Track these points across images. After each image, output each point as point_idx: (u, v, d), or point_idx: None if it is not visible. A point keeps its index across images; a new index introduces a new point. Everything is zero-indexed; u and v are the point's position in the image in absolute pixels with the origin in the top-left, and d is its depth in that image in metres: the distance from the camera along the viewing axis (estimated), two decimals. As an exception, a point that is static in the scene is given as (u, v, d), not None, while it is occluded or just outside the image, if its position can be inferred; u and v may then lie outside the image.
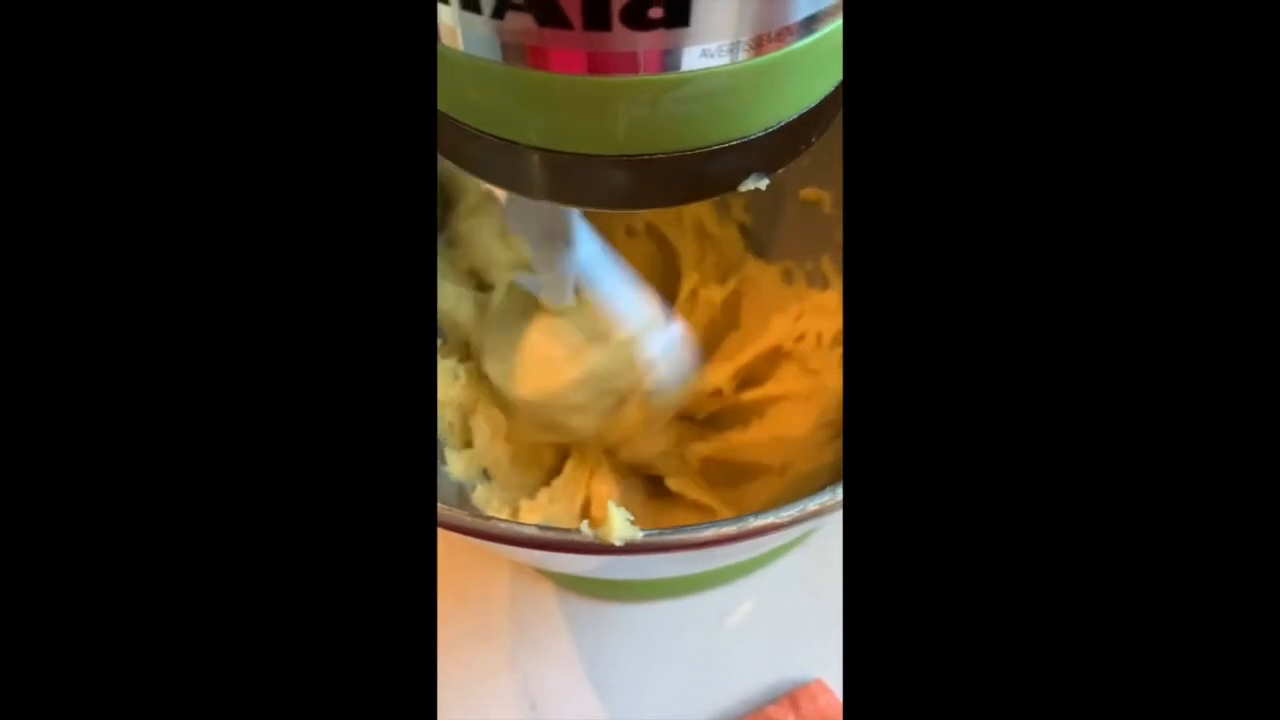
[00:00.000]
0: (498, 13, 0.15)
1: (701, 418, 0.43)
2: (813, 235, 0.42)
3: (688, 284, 0.44)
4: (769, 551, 0.40)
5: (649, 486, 0.42)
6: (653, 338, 0.35)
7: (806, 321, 0.42)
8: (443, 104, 0.19)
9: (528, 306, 0.36)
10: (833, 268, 0.42)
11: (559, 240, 0.31)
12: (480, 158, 0.20)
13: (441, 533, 0.46)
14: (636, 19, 0.14)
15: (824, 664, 0.41)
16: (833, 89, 0.19)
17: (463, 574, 0.45)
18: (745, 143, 0.18)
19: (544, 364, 0.36)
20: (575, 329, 0.35)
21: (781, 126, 0.18)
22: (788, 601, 0.44)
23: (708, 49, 0.15)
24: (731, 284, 0.44)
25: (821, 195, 0.41)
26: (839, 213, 0.41)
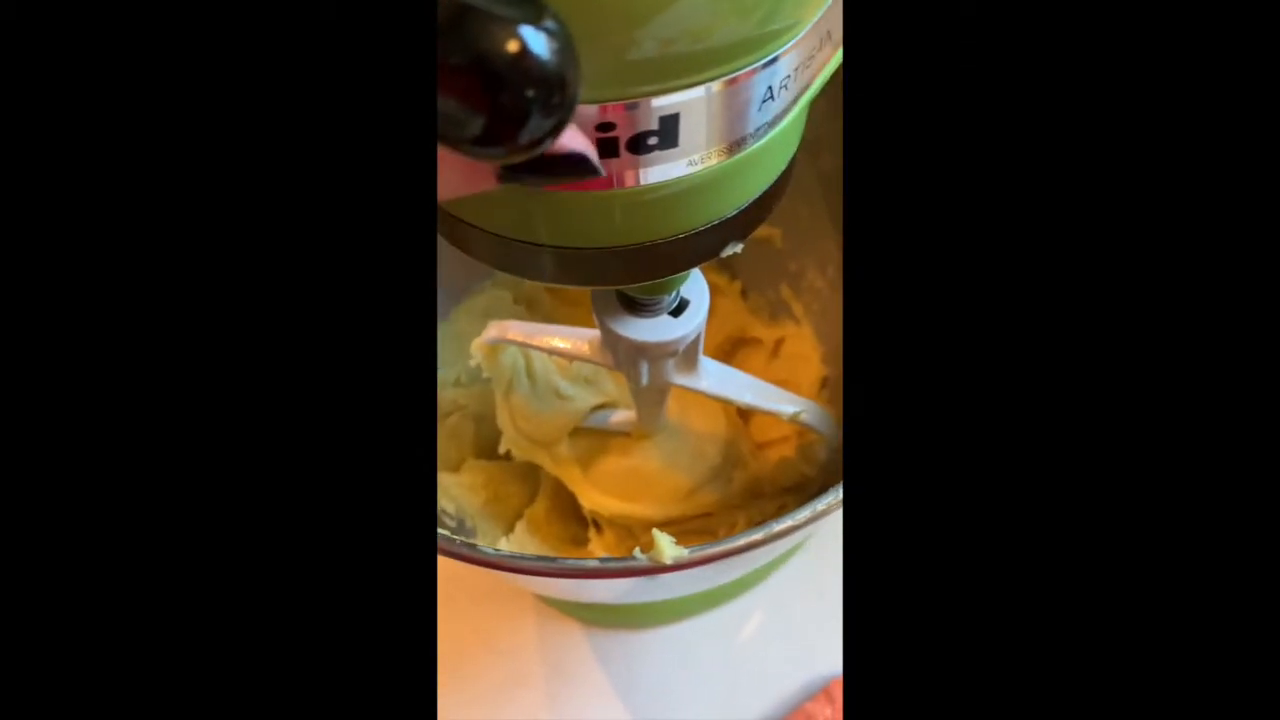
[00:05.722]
0: None
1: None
2: (769, 267, 0.47)
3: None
4: (777, 557, 0.44)
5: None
6: (810, 415, 0.37)
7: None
8: (457, 210, 0.22)
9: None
10: (791, 294, 0.47)
11: (664, 392, 0.35)
12: (493, 253, 0.23)
13: (465, 588, 0.48)
14: (639, 148, 0.18)
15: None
16: (788, 164, 0.23)
17: (491, 626, 0.46)
18: (723, 221, 0.22)
19: (647, 483, 0.41)
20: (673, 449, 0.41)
21: (751, 202, 0.22)
22: (798, 605, 0.46)
23: (692, 159, 0.19)
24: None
25: (772, 232, 0.46)
26: (788, 247, 0.46)
